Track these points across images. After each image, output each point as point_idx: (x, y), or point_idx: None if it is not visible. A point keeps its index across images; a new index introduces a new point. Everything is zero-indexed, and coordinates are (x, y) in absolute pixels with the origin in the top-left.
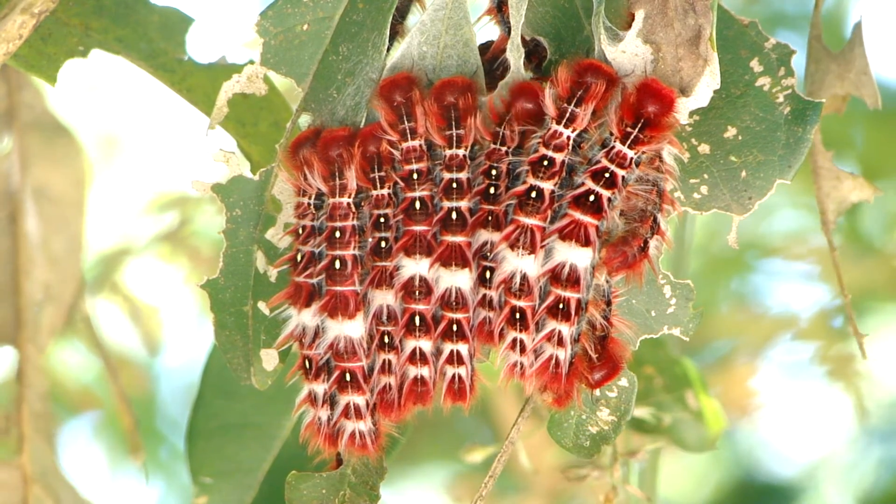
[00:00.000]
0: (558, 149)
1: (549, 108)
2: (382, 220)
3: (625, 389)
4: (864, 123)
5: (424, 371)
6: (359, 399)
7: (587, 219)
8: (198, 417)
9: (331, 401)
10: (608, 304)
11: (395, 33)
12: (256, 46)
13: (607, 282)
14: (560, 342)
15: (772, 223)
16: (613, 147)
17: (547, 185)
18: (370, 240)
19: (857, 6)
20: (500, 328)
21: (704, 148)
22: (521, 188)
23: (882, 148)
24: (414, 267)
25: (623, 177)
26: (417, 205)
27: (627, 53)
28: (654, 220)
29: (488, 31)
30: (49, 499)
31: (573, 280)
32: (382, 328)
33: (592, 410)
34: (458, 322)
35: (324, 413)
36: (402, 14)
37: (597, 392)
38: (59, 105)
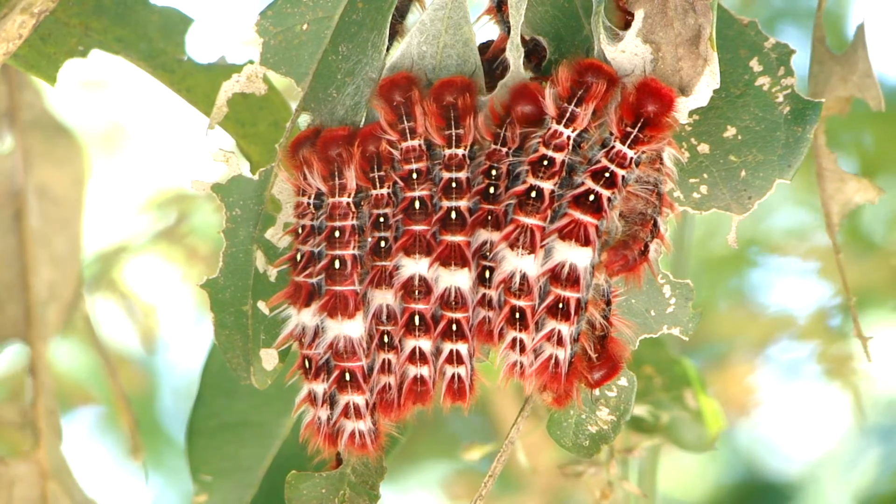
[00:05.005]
0: (558, 148)
1: (550, 107)
2: (382, 219)
3: (624, 389)
4: (864, 121)
5: (424, 370)
6: (358, 399)
7: (587, 218)
8: (197, 416)
9: (330, 400)
10: (608, 303)
11: (395, 33)
12: (256, 46)
13: (607, 281)
14: (560, 342)
15: (771, 221)
16: (613, 147)
17: (547, 185)
18: (370, 239)
19: (858, 6)
20: (499, 328)
21: (704, 147)
22: (520, 188)
23: (882, 146)
24: (413, 266)
25: (623, 176)
26: (417, 204)
27: (627, 53)
28: (655, 223)
29: (488, 30)
30: (64, 495)
31: (573, 280)
32: (382, 328)
33: (592, 410)
34: (458, 322)
35: (323, 413)
36: (401, 13)
37: (596, 391)
38: (58, 104)
